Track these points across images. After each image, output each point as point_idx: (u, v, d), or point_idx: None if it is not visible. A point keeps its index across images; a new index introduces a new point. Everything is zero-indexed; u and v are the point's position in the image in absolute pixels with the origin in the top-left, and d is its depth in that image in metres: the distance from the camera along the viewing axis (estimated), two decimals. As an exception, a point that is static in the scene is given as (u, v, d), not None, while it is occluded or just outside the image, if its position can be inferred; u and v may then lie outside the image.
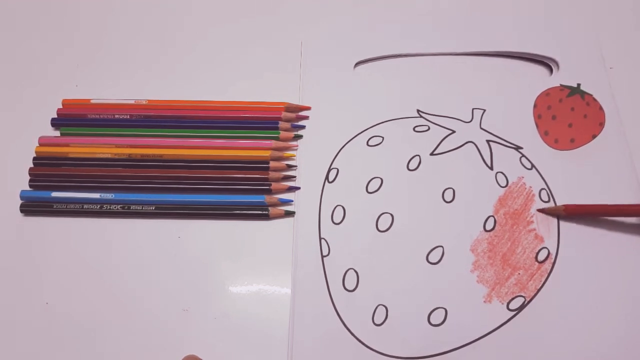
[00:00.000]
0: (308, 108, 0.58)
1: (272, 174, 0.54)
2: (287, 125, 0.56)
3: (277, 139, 0.56)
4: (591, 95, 0.57)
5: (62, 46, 0.64)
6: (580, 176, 0.53)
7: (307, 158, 0.55)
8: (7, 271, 0.51)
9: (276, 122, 0.56)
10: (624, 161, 0.54)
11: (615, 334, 0.47)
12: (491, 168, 0.54)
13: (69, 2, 0.68)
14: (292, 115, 0.57)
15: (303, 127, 0.57)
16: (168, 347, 0.47)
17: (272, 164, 0.54)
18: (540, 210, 0.52)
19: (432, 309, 0.48)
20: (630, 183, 0.53)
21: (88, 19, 0.66)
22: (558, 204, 0.52)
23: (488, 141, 0.55)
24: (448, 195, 0.52)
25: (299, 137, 0.56)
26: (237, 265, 0.51)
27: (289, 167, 0.55)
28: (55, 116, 0.58)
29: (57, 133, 0.57)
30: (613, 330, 0.47)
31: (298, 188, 0.53)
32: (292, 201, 0.53)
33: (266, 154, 0.55)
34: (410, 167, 0.54)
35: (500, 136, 0.56)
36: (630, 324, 0.47)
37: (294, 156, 0.55)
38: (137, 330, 0.48)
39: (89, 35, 0.65)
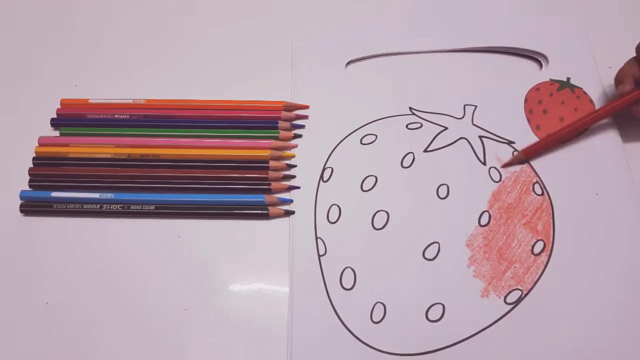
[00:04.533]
0: (306, 107, 0.55)
1: (271, 174, 0.51)
2: (287, 124, 0.54)
3: (276, 138, 0.53)
4: (581, 88, 0.55)
5: (62, 46, 0.62)
6: (572, 168, 0.51)
7: (301, 157, 0.52)
8: (7, 271, 0.49)
9: (276, 122, 0.54)
10: (616, 153, 0.51)
11: (613, 324, 0.44)
12: (484, 163, 0.51)
13: (69, 2, 0.65)
14: (292, 114, 0.54)
15: (302, 126, 0.54)
16: (168, 347, 0.45)
17: (271, 163, 0.51)
18: (505, 166, 0.51)
19: (429, 305, 0.45)
20: (623, 173, 0.50)
21: (87, 19, 0.64)
22: (551, 195, 0.49)
23: (480, 137, 0.53)
24: (442, 192, 0.50)
25: (299, 136, 0.53)
26: (237, 264, 0.48)
27: (289, 166, 0.52)
28: (55, 116, 0.56)
29: (57, 133, 0.55)
30: (611, 321, 0.44)
31: (298, 187, 0.51)
32: (291, 200, 0.50)
33: (266, 153, 0.52)
34: (404, 165, 0.51)
35: (493, 132, 0.53)
36: (627, 314, 0.45)
37: (294, 155, 0.53)
38: (138, 330, 0.45)
39: (88, 36, 0.62)
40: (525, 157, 0.51)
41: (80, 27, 0.63)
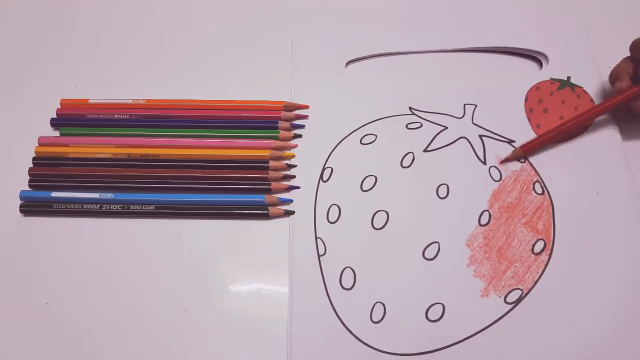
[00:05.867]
0: (306, 107, 0.55)
1: (271, 174, 0.50)
2: (287, 124, 0.53)
3: (276, 138, 0.53)
4: (581, 87, 0.54)
5: (62, 46, 0.61)
6: (573, 167, 0.50)
7: (301, 157, 0.52)
8: (7, 271, 0.48)
9: (275, 122, 0.53)
10: (616, 152, 0.51)
11: (613, 324, 0.44)
12: (484, 162, 0.51)
13: (69, 2, 0.65)
14: (292, 114, 0.54)
15: (302, 126, 0.54)
16: (168, 347, 0.45)
17: (271, 163, 0.51)
18: (504, 162, 0.51)
19: (429, 305, 0.45)
20: (623, 172, 0.50)
21: (87, 19, 0.63)
22: (552, 194, 0.49)
23: (480, 136, 0.52)
24: (442, 191, 0.50)
25: (299, 136, 0.53)
26: (236, 264, 0.48)
27: (289, 166, 0.52)
28: (55, 116, 0.55)
29: (57, 133, 0.55)
30: (611, 320, 0.44)
31: (298, 187, 0.50)
32: (291, 200, 0.50)
33: (266, 153, 0.52)
34: (404, 164, 0.51)
35: (493, 131, 0.53)
36: (627, 314, 0.44)
37: (294, 155, 0.52)
38: (137, 330, 0.45)
39: (88, 36, 0.62)
40: (523, 152, 0.50)
41: (80, 27, 0.62)
